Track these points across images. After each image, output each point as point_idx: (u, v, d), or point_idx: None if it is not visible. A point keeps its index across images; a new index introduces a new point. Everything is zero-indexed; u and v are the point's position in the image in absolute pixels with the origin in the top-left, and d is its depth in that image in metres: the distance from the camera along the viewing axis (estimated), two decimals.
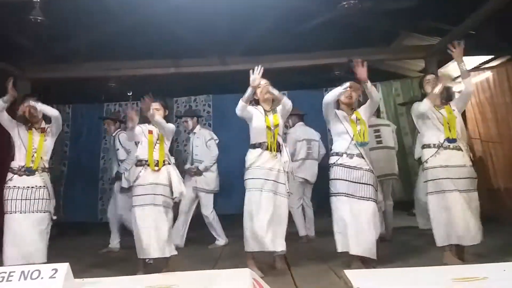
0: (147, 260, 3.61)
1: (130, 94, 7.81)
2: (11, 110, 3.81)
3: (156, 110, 3.85)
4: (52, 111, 3.79)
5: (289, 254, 3.79)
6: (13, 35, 5.36)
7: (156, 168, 3.72)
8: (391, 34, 6.30)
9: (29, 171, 3.69)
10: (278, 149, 3.62)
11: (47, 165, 3.81)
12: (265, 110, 3.74)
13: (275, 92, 3.69)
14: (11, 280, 1.52)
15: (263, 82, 3.75)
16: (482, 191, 5.15)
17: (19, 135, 3.76)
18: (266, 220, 3.43)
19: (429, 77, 3.81)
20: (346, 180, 3.50)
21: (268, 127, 3.63)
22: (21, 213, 3.56)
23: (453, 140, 3.54)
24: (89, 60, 6.16)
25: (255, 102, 3.83)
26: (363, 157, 3.54)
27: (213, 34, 5.65)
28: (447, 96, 3.86)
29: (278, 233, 3.47)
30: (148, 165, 3.73)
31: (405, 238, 4.83)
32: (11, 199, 3.61)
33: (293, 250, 4.35)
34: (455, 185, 3.44)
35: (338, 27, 5.76)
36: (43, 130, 3.82)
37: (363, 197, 3.46)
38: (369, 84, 3.54)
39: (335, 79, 6.89)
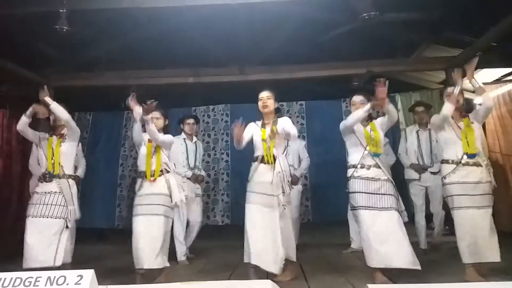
0: (138, 269, 3.51)
1: (152, 101, 7.89)
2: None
3: (156, 119, 3.90)
4: (62, 113, 3.81)
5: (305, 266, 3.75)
6: (38, 44, 5.50)
7: (152, 178, 3.70)
8: (412, 45, 6.25)
9: (50, 176, 3.78)
10: (275, 161, 3.60)
11: (68, 172, 3.86)
12: (264, 123, 3.78)
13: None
14: (37, 286, 1.54)
15: (265, 94, 3.80)
16: (503, 206, 5.07)
17: (40, 144, 3.92)
18: (260, 236, 3.45)
19: (450, 89, 3.76)
20: (365, 193, 3.47)
21: (264, 140, 3.66)
22: (33, 217, 3.65)
23: (472, 156, 3.50)
24: (110, 69, 6.26)
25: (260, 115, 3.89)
26: (379, 167, 3.52)
27: (233, 43, 5.70)
28: (467, 109, 3.80)
29: (273, 250, 3.41)
30: (146, 176, 3.73)
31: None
32: (30, 204, 3.75)
33: (309, 261, 4.36)
34: (473, 201, 3.40)
35: (358, 37, 5.75)
36: (61, 136, 3.91)
37: (384, 208, 3.41)
38: (387, 103, 3.50)
39: (354, 90, 6.88)
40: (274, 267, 3.38)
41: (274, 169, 3.57)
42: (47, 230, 3.59)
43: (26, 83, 5.99)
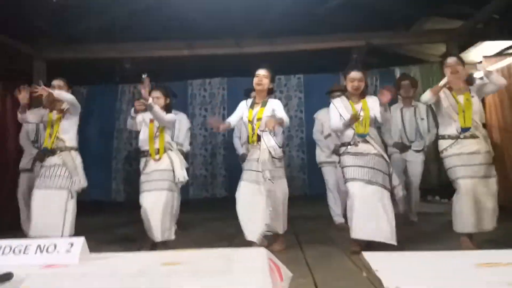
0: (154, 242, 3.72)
1: (145, 76, 7.78)
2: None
3: (157, 98, 3.90)
4: (67, 96, 3.83)
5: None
6: (29, 16, 5.36)
7: (157, 156, 3.82)
8: (411, 17, 6.14)
9: (47, 151, 3.85)
10: (258, 140, 3.70)
11: (69, 145, 3.90)
12: (254, 102, 3.83)
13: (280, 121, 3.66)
14: (27, 253, 1.53)
15: (262, 72, 3.76)
16: (498, 179, 5.08)
17: (42, 121, 3.99)
18: (243, 208, 3.66)
19: (450, 60, 3.69)
20: (353, 166, 3.53)
21: (250, 121, 3.76)
22: (40, 189, 3.75)
23: (467, 129, 3.51)
24: (104, 41, 6.15)
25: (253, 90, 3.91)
26: (368, 142, 3.55)
27: (229, 15, 5.57)
28: (469, 82, 3.74)
29: (254, 221, 3.57)
30: (150, 155, 3.84)
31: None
32: (36, 176, 3.89)
33: (305, 232, 4.42)
34: (468, 172, 3.43)
35: (357, 9, 5.65)
36: (61, 111, 3.93)
37: (371, 181, 3.45)
38: (386, 107, 3.52)
39: (352, 63, 6.79)
40: (252, 236, 3.55)
41: (260, 147, 3.69)
42: (52, 201, 3.69)
43: (18, 55, 5.89)
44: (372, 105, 3.61)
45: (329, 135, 4.82)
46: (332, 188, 4.88)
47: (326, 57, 7.19)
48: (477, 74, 6.12)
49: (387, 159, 3.62)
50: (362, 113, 3.56)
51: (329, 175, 4.90)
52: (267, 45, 6.11)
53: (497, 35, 5.75)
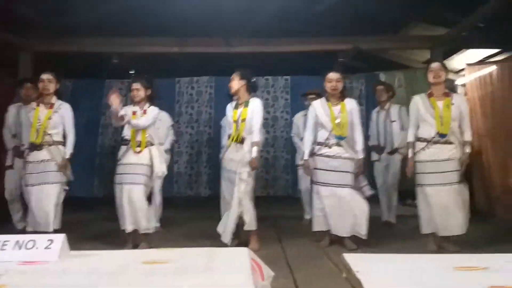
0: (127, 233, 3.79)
1: (133, 72, 7.71)
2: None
3: (137, 90, 3.91)
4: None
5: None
6: (18, 6, 5.26)
7: (138, 149, 3.84)
8: (398, 22, 6.21)
9: (34, 147, 3.84)
10: (242, 141, 3.79)
11: (57, 139, 3.91)
12: (237, 103, 3.92)
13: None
14: (5, 249, 1.50)
15: (234, 75, 3.90)
16: (478, 186, 5.18)
17: (26, 116, 3.99)
18: (222, 206, 3.87)
19: (434, 65, 3.77)
20: (323, 170, 3.75)
21: (235, 121, 3.85)
22: (33, 186, 3.78)
23: (443, 135, 3.60)
24: (93, 35, 6.07)
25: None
26: (341, 146, 3.74)
27: (219, 14, 5.55)
28: (450, 88, 3.83)
29: (229, 219, 3.70)
30: (131, 146, 3.86)
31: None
32: (25, 173, 3.87)
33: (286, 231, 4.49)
34: (439, 179, 3.54)
35: (345, 13, 5.69)
36: (51, 106, 3.92)
37: (340, 185, 3.70)
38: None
39: (339, 65, 6.83)
40: (224, 238, 3.69)
41: (242, 149, 3.77)
42: (45, 196, 3.75)
43: (4, 45, 5.77)
44: (351, 108, 3.81)
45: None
46: (304, 190, 5.02)
47: (313, 59, 7.23)
48: (459, 81, 6.24)
49: (358, 160, 3.78)
50: (340, 116, 3.74)
51: (303, 178, 4.97)
52: (256, 45, 6.12)
53: (481, 43, 5.85)
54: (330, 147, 3.74)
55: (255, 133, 3.74)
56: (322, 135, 3.80)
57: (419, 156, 3.66)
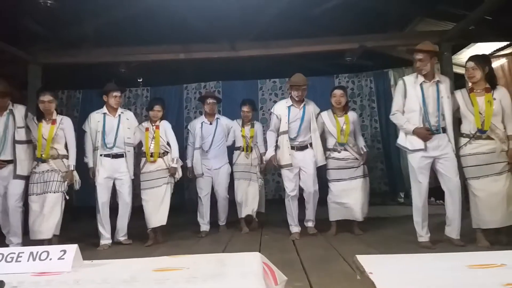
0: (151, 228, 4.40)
1: (140, 80, 7.78)
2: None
3: (158, 112, 4.60)
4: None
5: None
6: (24, 20, 5.33)
7: (152, 159, 4.47)
8: (404, 19, 6.16)
9: (41, 161, 4.06)
10: (251, 150, 5.17)
11: (62, 153, 4.14)
12: (244, 123, 5.27)
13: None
14: (20, 261, 1.52)
15: (245, 108, 5.23)
16: None
17: (32, 134, 4.17)
18: (239, 197, 5.08)
19: (468, 64, 3.69)
20: (337, 169, 4.54)
21: (243, 136, 5.20)
22: (37, 195, 3.98)
23: (484, 131, 3.58)
24: (99, 46, 6.12)
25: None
26: (347, 150, 4.54)
27: (224, 19, 5.56)
28: (491, 83, 3.70)
29: (249, 202, 5.07)
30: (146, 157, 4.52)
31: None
32: (30, 183, 4.07)
33: (300, 234, 4.45)
34: (483, 171, 3.55)
35: (351, 12, 5.66)
36: (53, 122, 4.11)
37: (352, 177, 4.50)
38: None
39: (347, 65, 6.80)
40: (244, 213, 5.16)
41: (251, 155, 5.17)
42: (47, 205, 3.95)
43: (12, 59, 5.85)
44: (353, 120, 4.61)
45: None
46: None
47: (320, 60, 7.21)
48: None
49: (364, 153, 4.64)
50: (344, 126, 4.51)
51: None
52: (262, 48, 6.12)
53: (489, 36, 5.79)
54: (339, 151, 4.53)
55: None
56: (331, 142, 4.61)
57: (462, 151, 3.70)
